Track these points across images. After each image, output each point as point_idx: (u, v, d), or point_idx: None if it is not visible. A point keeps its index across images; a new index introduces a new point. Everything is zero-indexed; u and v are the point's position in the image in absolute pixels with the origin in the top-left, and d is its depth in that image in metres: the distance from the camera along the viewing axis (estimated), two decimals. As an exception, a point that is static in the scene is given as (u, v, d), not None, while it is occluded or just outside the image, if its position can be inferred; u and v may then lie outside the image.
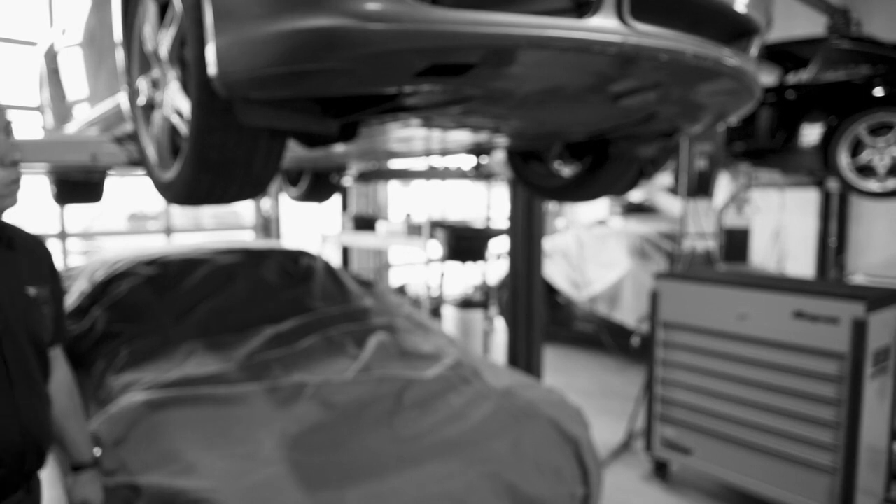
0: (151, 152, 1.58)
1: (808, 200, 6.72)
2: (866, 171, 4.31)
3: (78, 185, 3.36)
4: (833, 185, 5.89)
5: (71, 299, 3.00)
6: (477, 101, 1.34)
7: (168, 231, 6.24)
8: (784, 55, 5.03)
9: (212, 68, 1.18)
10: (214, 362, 2.48)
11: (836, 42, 4.86)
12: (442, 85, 1.19)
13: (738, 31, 1.47)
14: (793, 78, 4.88)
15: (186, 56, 1.31)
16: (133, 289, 2.94)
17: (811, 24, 5.79)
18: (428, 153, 3.20)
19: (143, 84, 1.57)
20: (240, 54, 1.14)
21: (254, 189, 1.45)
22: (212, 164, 1.31)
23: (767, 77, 5.02)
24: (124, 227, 8.15)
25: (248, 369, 2.38)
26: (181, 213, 7.01)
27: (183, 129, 1.38)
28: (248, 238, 6.61)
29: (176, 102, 1.40)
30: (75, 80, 2.67)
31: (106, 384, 2.45)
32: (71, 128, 2.78)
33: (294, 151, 2.26)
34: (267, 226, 6.50)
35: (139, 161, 1.66)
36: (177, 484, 1.78)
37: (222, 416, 2.06)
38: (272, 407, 2.13)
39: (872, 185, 4.30)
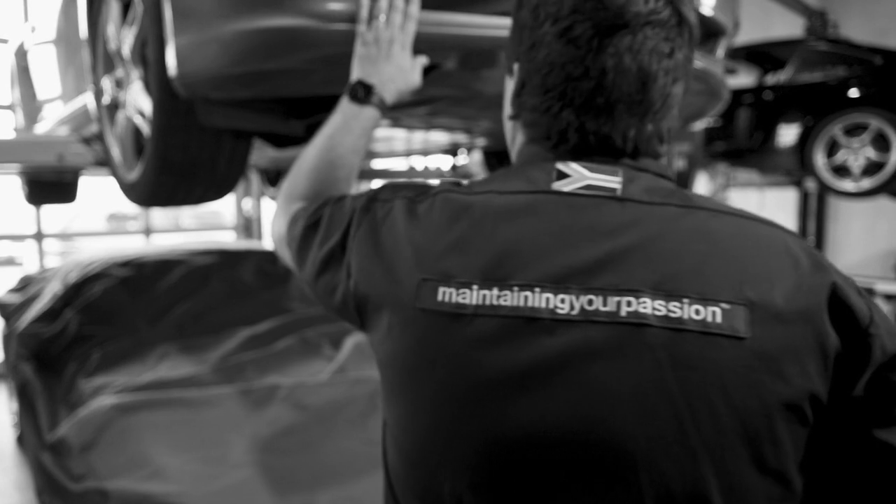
0: (116, 153, 1.56)
1: (787, 200, 6.80)
2: (842, 171, 4.38)
3: (50, 186, 3.32)
4: (811, 185, 5.97)
5: (43, 301, 2.96)
6: (443, 102, 1.34)
7: (147, 231, 6.18)
8: (762, 56, 5.08)
9: (172, 68, 1.17)
10: (188, 365, 2.45)
11: (813, 44, 4.92)
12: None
13: (703, 32, 1.47)
14: (771, 79, 4.93)
15: (148, 55, 1.29)
16: (106, 290, 2.90)
17: (789, 26, 5.85)
18: (409, 153, 3.19)
19: (107, 83, 1.55)
20: (199, 54, 1.12)
21: (219, 190, 1.43)
22: (174, 165, 1.30)
23: (746, 78, 5.07)
24: (103, 227, 8.06)
25: (222, 371, 2.35)
26: (161, 214, 6.94)
27: (145, 129, 1.36)
28: (229, 239, 6.55)
29: (138, 102, 1.38)
30: (45, 79, 2.63)
31: (77, 387, 2.41)
32: (41, 127, 2.73)
33: (272, 151, 2.25)
34: (248, 226, 6.45)
35: (105, 161, 1.63)
36: (144, 489, 1.76)
37: (193, 419, 2.04)
38: (244, 409, 2.11)
39: (847, 185, 4.36)
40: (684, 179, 4.50)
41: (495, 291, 0.60)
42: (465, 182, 0.74)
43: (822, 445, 0.59)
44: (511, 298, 0.60)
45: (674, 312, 0.56)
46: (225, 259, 3.24)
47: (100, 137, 1.69)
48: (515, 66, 0.71)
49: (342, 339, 2.71)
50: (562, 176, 0.65)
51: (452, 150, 2.74)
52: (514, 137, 0.75)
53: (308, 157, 0.95)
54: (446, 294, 0.61)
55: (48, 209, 5.49)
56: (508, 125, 0.77)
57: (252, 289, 3.10)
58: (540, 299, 0.59)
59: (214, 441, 1.97)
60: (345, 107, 0.96)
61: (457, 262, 0.63)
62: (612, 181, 0.64)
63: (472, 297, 0.61)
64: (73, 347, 2.63)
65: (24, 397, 2.68)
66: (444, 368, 0.60)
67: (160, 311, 2.85)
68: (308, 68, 1.09)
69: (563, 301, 0.58)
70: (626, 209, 0.62)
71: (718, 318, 0.56)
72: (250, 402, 2.15)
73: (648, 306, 0.56)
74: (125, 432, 2.03)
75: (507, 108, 0.75)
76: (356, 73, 0.98)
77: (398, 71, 0.99)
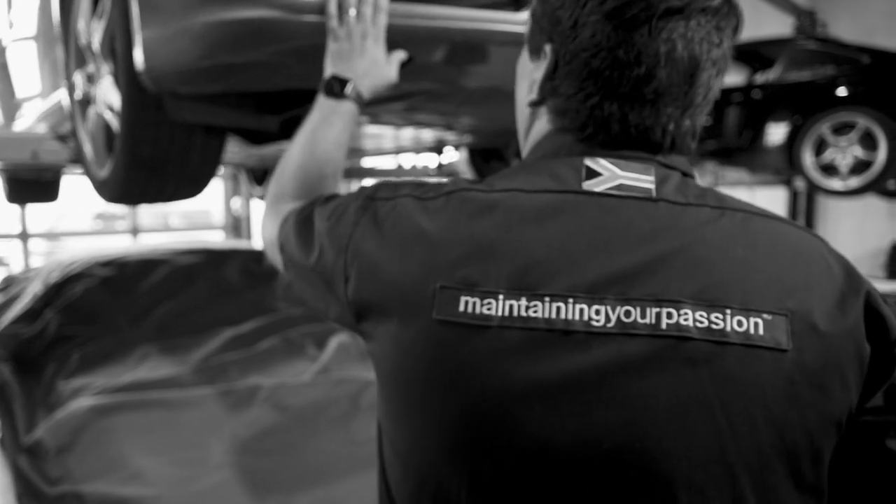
0: (88, 149, 1.53)
1: (777, 199, 6.82)
2: (830, 169, 4.38)
3: (30, 184, 3.27)
4: (800, 184, 5.98)
5: (23, 301, 2.92)
6: (420, 97, 1.32)
7: (135, 231, 6.13)
8: (752, 55, 5.09)
9: (139, 62, 1.14)
10: (169, 365, 2.42)
11: (801, 43, 4.93)
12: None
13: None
14: (760, 78, 4.93)
15: (117, 49, 1.27)
16: (88, 290, 2.85)
17: (779, 25, 5.86)
18: (393, 151, 3.16)
19: (78, 79, 1.52)
20: (166, 47, 1.10)
21: (192, 187, 1.41)
22: (144, 160, 1.27)
23: (736, 77, 5.08)
24: (90, 227, 8.00)
25: (203, 372, 2.32)
26: (149, 213, 6.89)
27: (115, 124, 1.33)
28: (217, 238, 6.51)
29: (108, 97, 1.35)
30: (24, 76, 2.59)
31: (56, 389, 2.37)
32: (20, 124, 2.69)
33: (259, 149, 2.21)
34: (237, 226, 6.41)
35: (79, 159, 1.60)
36: (121, 492, 1.73)
37: (172, 420, 2.01)
38: (224, 411, 2.09)
39: (835, 183, 4.37)
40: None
41: (524, 302, 0.55)
42: (477, 180, 0.68)
43: (836, 453, 0.57)
44: (542, 310, 0.55)
45: (716, 324, 0.53)
46: (210, 258, 3.20)
47: (74, 134, 1.66)
48: (547, 48, 0.65)
49: (326, 339, 2.68)
50: (592, 174, 0.61)
51: (438, 148, 2.72)
52: (533, 125, 0.70)
53: (292, 157, 0.92)
54: (469, 304, 0.56)
55: (34, 208, 5.44)
56: (525, 111, 0.71)
57: (237, 288, 3.06)
58: (573, 311, 0.54)
59: (193, 443, 1.94)
60: (322, 103, 0.94)
61: (480, 269, 0.57)
62: (645, 180, 0.60)
63: (498, 307, 0.55)
64: (53, 348, 2.59)
65: (3, 399, 2.64)
66: (465, 384, 0.55)
67: (142, 311, 2.81)
68: (278, 61, 1.07)
69: (598, 313, 0.54)
70: (661, 211, 0.58)
71: (761, 330, 0.53)
72: (230, 404, 2.12)
73: (690, 318, 0.53)
74: (103, 434, 1.99)
75: (528, 93, 0.69)
76: (330, 70, 0.96)
77: (372, 65, 0.97)
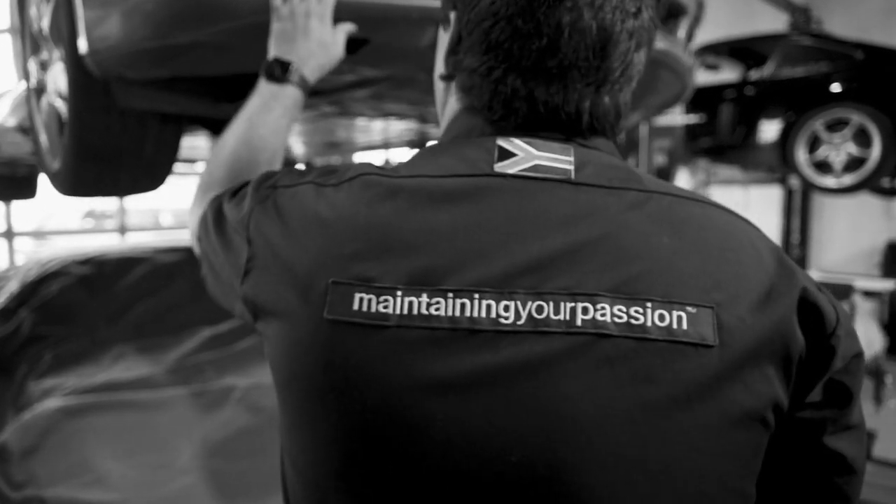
0: (43, 139, 1.47)
1: (772, 197, 6.77)
2: (823, 167, 4.33)
3: (4, 180, 3.20)
4: (795, 182, 5.94)
5: (-1, 300, 2.86)
6: (384, 85, 1.25)
7: (123, 230, 6.06)
8: (745, 52, 5.04)
9: (82, 44, 1.08)
10: (144, 366, 2.36)
11: (795, 39, 4.88)
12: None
13: (664, 13, 1.40)
14: (753, 74, 4.88)
15: (63, 31, 1.21)
16: (64, 289, 2.79)
17: (773, 22, 5.81)
18: (387, 145, 3.11)
19: (33, 66, 1.46)
20: (109, 28, 1.04)
21: (149, 180, 1.35)
22: (94, 150, 1.21)
23: (730, 73, 5.03)
24: (79, 225, 7.93)
25: (178, 373, 2.27)
26: (139, 211, 6.83)
27: (64, 112, 1.27)
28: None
29: (58, 84, 1.29)
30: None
31: (26, 390, 2.31)
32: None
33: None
34: (227, 224, 6.34)
35: (36, 150, 1.54)
36: (84, 496, 1.68)
37: (142, 422, 1.96)
38: (196, 412, 2.03)
39: (829, 181, 4.31)
40: (665, 175, 4.45)
41: (424, 298, 0.50)
42: (388, 165, 0.62)
43: (771, 452, 0.54)
44: (445, 307, 0.50)
45: (636, 319, 0.48)
46: (190, 256, 3.11)
47: (32, 124, 1.60)
48: (451, 16, 0.61)
49: (307, 338, 2.63)
50: (505, 154, 0.56)
51: (421, 143, 2.66)
52: (446, 101, 0.65)
53: (226, 143, 0.87)
54: (364, 302, 0.50)
55: (20, 206, 5.37)
56: (440, 86, 0.67)
57: (218, 287, 3.01)
58: (480, 307, 0.49)
59: (163, 445, 1.88)
60: (262, 88, 0.88)
61: (377, 263, 0.52)
62: (563, 160, 0.55)
63: (396, 305, 0.50)
64: (26, 348, 2.52)
65: (-26, 400, 2.58)
66: (360, 392, 0.50)
67: (119, 310, 2.74)
68: (226, 42, 1.01)
69: (507, 309, 0.49)
70: (580, 195, 0.54)
71: (684, 324, 0.49)
72: (203, 405, 2.06)
73: (608, 313, 0.48)
74: (70, 437, 1.93)
75: (440, 66, 0.65)
76: (272, 51, 0.91)
77: (318, 46, 0.91)
